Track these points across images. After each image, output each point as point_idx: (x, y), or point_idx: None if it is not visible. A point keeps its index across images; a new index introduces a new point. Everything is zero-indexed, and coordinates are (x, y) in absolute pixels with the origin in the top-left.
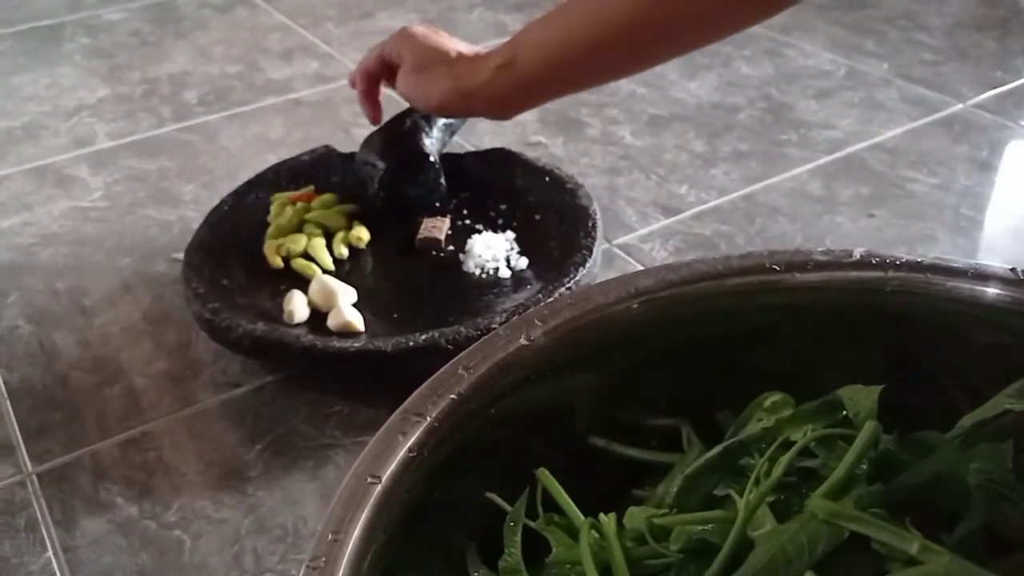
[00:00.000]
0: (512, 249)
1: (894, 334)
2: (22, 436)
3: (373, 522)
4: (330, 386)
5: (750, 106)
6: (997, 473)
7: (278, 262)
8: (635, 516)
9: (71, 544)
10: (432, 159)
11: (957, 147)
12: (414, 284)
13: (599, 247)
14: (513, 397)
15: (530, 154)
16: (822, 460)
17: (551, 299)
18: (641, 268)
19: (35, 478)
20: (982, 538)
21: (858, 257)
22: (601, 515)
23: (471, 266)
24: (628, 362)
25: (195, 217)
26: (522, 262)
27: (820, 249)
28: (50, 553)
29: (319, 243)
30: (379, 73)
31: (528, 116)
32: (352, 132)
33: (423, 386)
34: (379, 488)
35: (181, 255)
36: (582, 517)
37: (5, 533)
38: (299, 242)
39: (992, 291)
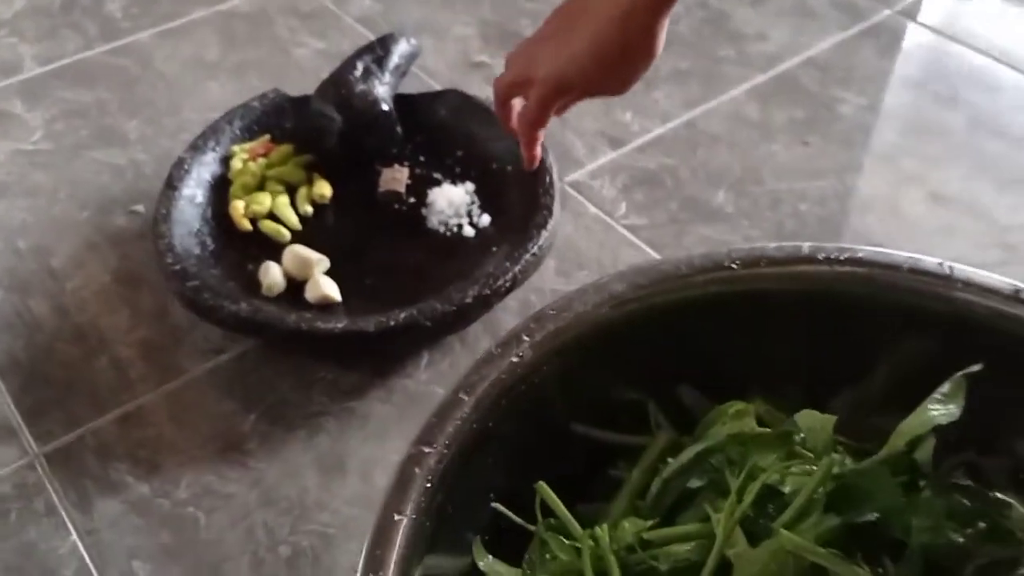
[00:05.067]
0: (473, 203)
1: (837, 322)
2: (21, 417)
3: (405, 555)
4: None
5: (688, 15)
6: (935, 536)
7: (246, 225)
8: (626, 529)
9: (92, 527)
10: (388, 108)
11: (884, 62)
12: (382, 244)
13: (558, 204)
14: (507, 408)
15: (477, 80)
16: (784, 481)
17: (535, 313)
18: (593, 208)
19: (43, 460)
20: (920, 566)
21: (806, 252)
22: (597, 528)
23: (435, 223)
24: (601, 354)
25: (145, 160)
26: (484, 219)
27: (773, 245)
28: (74, 537)
29: (283, 202)
30: (544, 114)
31: (469, 30)
32: (292, 52)
33: (430, 415)
34: (405, 523)
35: (140, 207)
36: (580, 529)
37: (28, 519)
38: (264, 202)
39: (928, 286)
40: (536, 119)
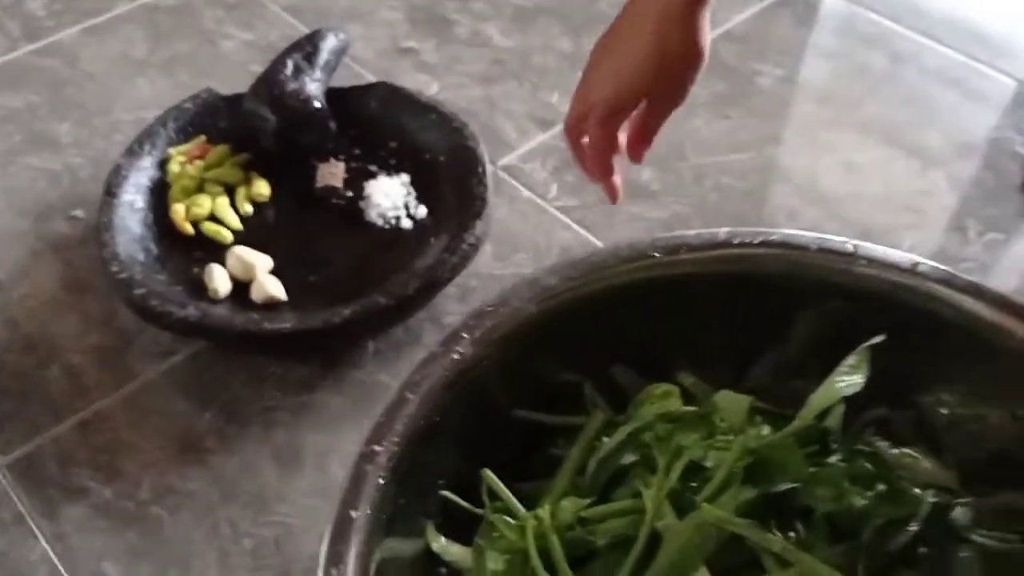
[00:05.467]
0: (409, 195)
1: (755, 299)
2: None
3: (363, 549)
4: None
5: None
6: (837, 503)
7: (188, 229)
8: (566, 509)
9: (59, 532)
10: (320, 105)
11: (801, 31)
12: (323, 240)
13: (491, 192)
14: (451, 402)
15: (407, 66)
16: (707, 457)
17: (474, 310)
18: (526, 192)
19: (5, 471)
20: (825, 531)
21: (722, 238)
22: (539, 509)
23: (373, 216)
24: (538, 343)
25: (81, 164)
26: (421, 211)
27: (692, 233)
28: (43, 543)
29: (223, 203)
30: (603, 137)
31: (397, 15)
32: (220, 45)
33: (379, 415)
34: (360, 518)
35: (80, 212)
36: (523, 511)
37: None
38: (204, 205)
39: (834, 263)
40: (597, 143)
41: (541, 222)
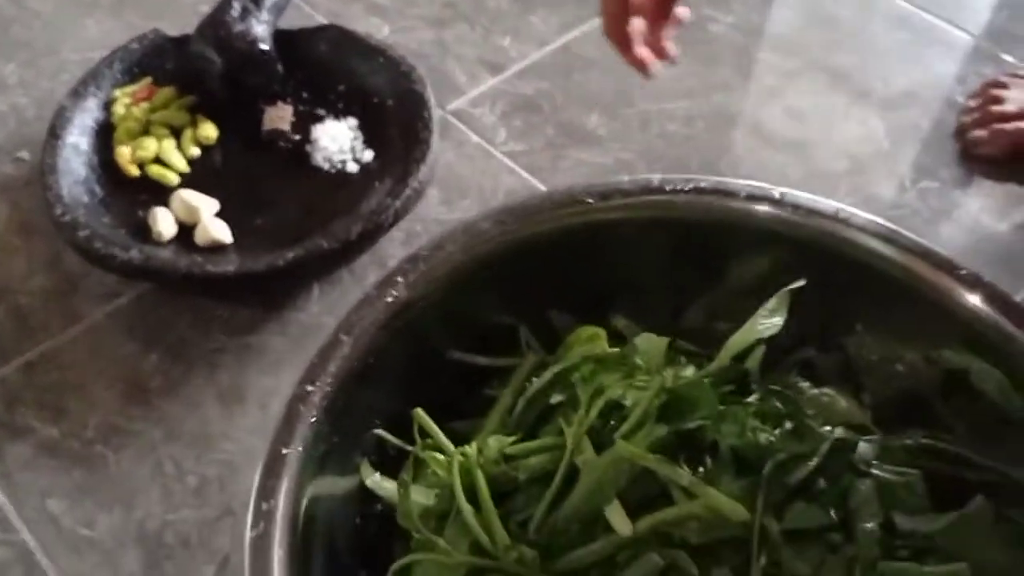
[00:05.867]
0: (356, 139)
1: (686, 244)
2: None
3: (294, 484)
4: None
5: None
6: (740, 438)
7: (134, 171)
8: (491, 446)
9: (4, 470)
10: (267, 47)
11: None
12: (268, 183)
13: (436, 137)
14: (386, 344)
15: (358, 9)
16: (627, 396)
17: (409, 255)
18: (474, 137)
19: None
20: (731, 465)
21: (655, 184)
22: (465, 447)
23: (319, 159)
24: (473, 287)
25: (26, 105)
26: (367, 155)
27: (626, 179)
28: None
29: (169, 146)
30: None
31: None
32: None
33: (314, 356)
34: (292, 455)
35: (25, 154)
36: (452, 447)
37: None
38: (150, 147)
39: (762, 210)
40: (612, 13)
41: (488, 167)
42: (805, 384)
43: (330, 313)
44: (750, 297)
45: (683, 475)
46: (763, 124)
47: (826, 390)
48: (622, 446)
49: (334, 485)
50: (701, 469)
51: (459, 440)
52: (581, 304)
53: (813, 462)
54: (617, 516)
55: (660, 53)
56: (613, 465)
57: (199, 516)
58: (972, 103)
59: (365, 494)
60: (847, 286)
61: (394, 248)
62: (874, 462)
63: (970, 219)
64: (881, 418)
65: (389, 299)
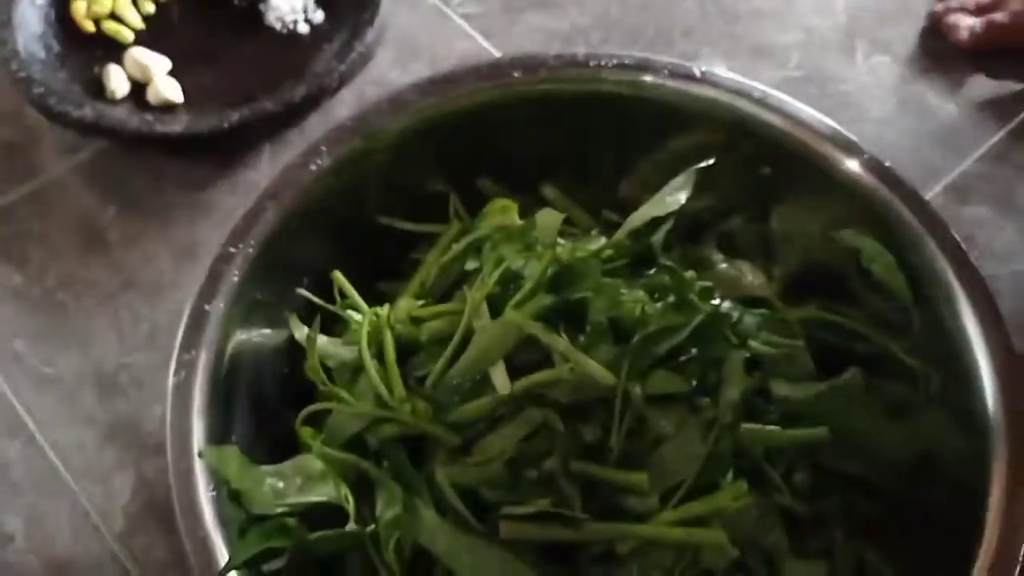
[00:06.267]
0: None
1: (609, 118)
2: None
3: (216, 341)
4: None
5: None
6: (611, 308)
7: (89, 27)
8: (401, 309)
9: None
10: None
11: None
12: (221, 42)
13: (389, 7)
14: (311, 210)
15: None
16: (526, 267)
17: (334, 126)
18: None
19: None
20: (607, 336)
21: (580, 59)
22: (377, 308)
23: (271, 19)
24: (401, 156)
25: None
26: (318, 15)
27: (552, 53)
28: None
29: (125, 1)
30: None
31: None
32: None
33: (239, 220)
34: (214, 314)
35: None
36: (366, 308)
37: None
38: (105, 3)
39: (682, 87)
40: None
41: (443, 30)
42: (719, 256)
43: (278, 170)
44: (678, 170)
45: (560, 342)
46: None
47: (739, 263)
48: (510, 313)
49: (263, 337)
50: (582, 338)
51: (384, 300)
52: (512, 173)
53: (683, 335)
54: (499, 376)
55: None
56: (502, 330)
57: (150, 360)
58: None
59: (295, 346)
60: (762, 161)
61: (344, 110)
62: (762, 334)
63: (917, 96)
64: (788, 292)
65: (313, 167)
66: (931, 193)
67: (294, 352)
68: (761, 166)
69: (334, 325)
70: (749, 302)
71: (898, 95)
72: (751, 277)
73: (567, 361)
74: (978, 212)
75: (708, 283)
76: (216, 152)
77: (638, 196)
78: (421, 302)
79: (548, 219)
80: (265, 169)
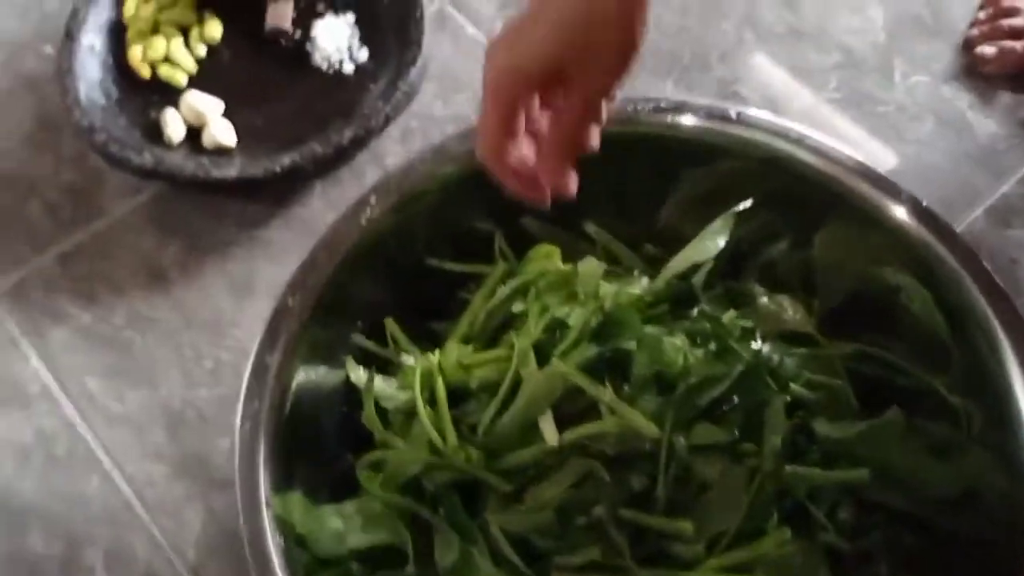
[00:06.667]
0: (354, 36)
1: (648, 160)
2: None
3: (278, 390)
4: None
5: None
6: (655, 360)
7: (145, 72)
8: (451, 355)
9: (47, 352)
10: None
11: None
12: (270, 83)
13: (428, 38)
14: (365, 258)
15: None
16: (570, 314)
17: (381, 178)
18: (471, 29)
19: None
20: (651, 386)
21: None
22: (429, 355)
23: (318, 59)
24: (447, 201)
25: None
26: (363, 54)
27: None
28: (35, 361)
29: (178, 45)
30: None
31: None
32: None
33: (295, 271)
34: (274, 364)
35: (50, 49)
36: (418, 353)
37: None
38: (159, 47)
39: (725, 128)
40: (487, 132)
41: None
42: (759, 290)
43: (331, 209)
44: (715, 205)
45: (605, 393)
46: (757, 14)
47: (780, 297)
48: (556, 364)
49: (321, 381)
50: (626, 387)
51: (435, 339)
52: (554, 211)
53: (724, 385)
54: (548, 427)
55: (559, 186)
56: (548, 380)
57: (214, 395)
58: (982, 15)
59: (351, 386)
60: (801, 198)
61: (391, 145)
62: (804, 373)
63: (956, 116)
64: (828, 325)
65: (364, 218)
66: (972, 216)
67: (350, 392)
68: (800, 203)
69: (389, 363)
70: (790, 337)
71: (937, 115)
72: (791, 311)
73: (613, 412)
74: (1021, 236)
75: (749, 323)
76: (270, 190)
77: (677, 227)
78: (470, 346)
79: (590, 269)
80: (316, 205)
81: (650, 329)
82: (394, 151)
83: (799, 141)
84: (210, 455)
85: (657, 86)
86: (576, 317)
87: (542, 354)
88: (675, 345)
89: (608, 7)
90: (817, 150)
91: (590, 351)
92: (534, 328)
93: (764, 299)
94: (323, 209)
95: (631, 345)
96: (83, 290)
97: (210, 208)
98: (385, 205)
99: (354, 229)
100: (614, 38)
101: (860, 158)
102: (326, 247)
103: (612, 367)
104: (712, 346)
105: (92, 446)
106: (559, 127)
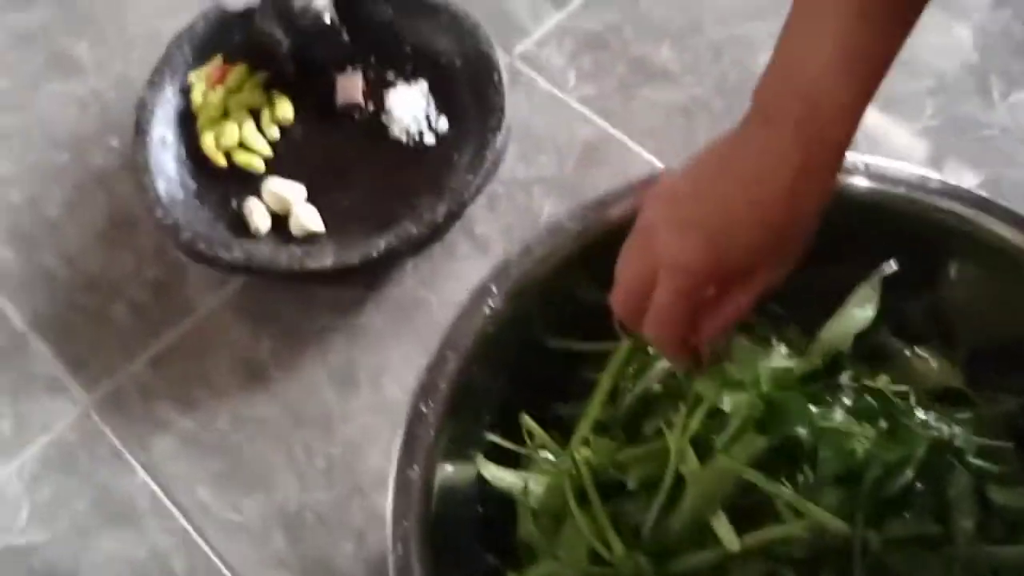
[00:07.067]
0: (429, 104)
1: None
2: (65, 370)
3: (422, 503)
4: None
5: None
6: (842, 459)
7: (221, 160)
8: (600, 451)
9: (153, 462)
10: (331, 18)
11: None
12: (349, 160)
13: (509, 88)
14: (489, 351)
15: None
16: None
17: (500, 264)
18: (544, 83)
19: (94, 408)
20: (831, 476)
21: None
22: (574, 451)
23: (396, 132)
24: (566, 282)
25: (105, 89)
26: (443, 123)
27: None
28: (140, 473)
29: (250, 129)
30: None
31: None
32: None
33: (424, 374)
34: (416, 478)
35: (115, 142)
36: (559, 451)
37: (97, 463)
38: (232, 134)
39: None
40: (675, 317)
41: (561, 117)
42: (897, 344)
43: (424, 286)
44: (828, 251)
45: (785, 492)
46: None
47: (922, 351)
48: (724, 460)
49: (456, 483)
50: (800, 477)
51: (564, 425)
52: None
53: (910, 472)
54: (724, 529)
55: (698, 356)
56: (717, 477)
57: (332, 496)
58: None
59: (483, 482)
60: (919, 238)
61: (479, 213)
62: (972, 439)
63: None
64: (975, 375)
65: (487, 310)
66: None
67: (483, 489)
68: (920, 242)
69: (519, 457)
70: (940, 394)
71: None
72: (936, 365)
73: (792, 509)
74: None
75: (904, 387)
76: (362, 277)
77: (793, 279)
78: (612, 437)
79: (745, 351)
80: (409, 284)
81: (816, 411)
82: (483, 218)
83: (933, 190)
84: (333, 559)
85: None
86: (735, 405)
87: (701, 446)
88: (854, 432)
89: (810, 211)
90: (952, 195)
91: (758, 443)
92: (691, 421)
93: (906, 353)
94: (416, 287)
95: (801, 432)
96: (180, 393)
97: (300, 294)
98: (504, 292)
99: (477, 321)
100: (803, 237)
101: (973, 188)
102: (451, 346)
103: (780, 455)
104: (883, 423)
105: (212, 559)
106: (734, 310)
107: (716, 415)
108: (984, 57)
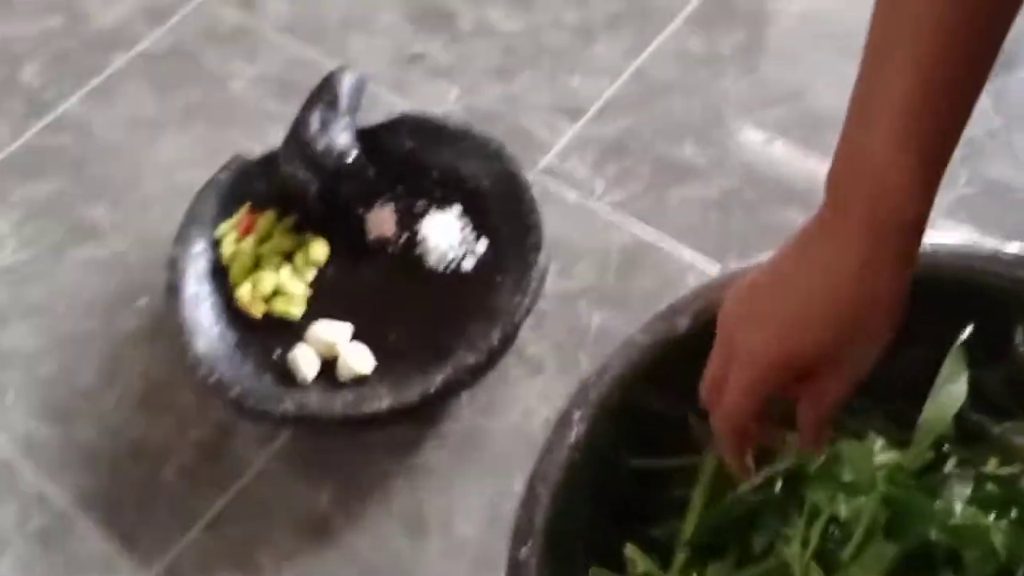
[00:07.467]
0: (465, 228)
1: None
2: (117, 549)
3: None
4: None
5: None
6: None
7: (258, 311)
8: None
9: None
10: (356, 155)
11: None
12: (389, 294)
13: (539, 204)
14: (576, 480)
15: (418, 74)
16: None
17: (580, 386)
18: (572, 195)
19: None
20: None
21: None
22: None
23: (433, 260)
24: (642, 399)
25: (126, 250)
26: (480, 245)
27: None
28: None
29: (286, 275)
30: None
31: (395, 16)
32: (228, 86)
33: (519, 513)
34: None
35: (143, 302)
36: None
37: None
38: (267, 282)
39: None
40: (736, 410)
41: (594, 226)
42: (982, 419)
43: (481, 415)
44: (914, 346)
45: None
46: None
47: (1008, 424)
48: (857, 573)
49: None
50: None
51: (660, 549)
52: None
53: None
54: None
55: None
56: None
57: None
58: None
59: None
60: (1004, 315)
61: (528, 334)
62: None
63: None
64: None
65: (571, 440)
66: None
67: None
68: (985, 314)
69: None
70: None
71: None
72: None
73: None
74: None
75: (1014, 468)
76: (418, 415)
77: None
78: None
79: (859, 454)
80: (466, 415)
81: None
82: (532, 339)
83: (1008, 262)
84: None
85: None
86: (854, 511)
87: (822, 558)
88: (988, 527)
89: (885, 295)
90: (989, 257)
91: (888, 551)
92: (811, 533)
93: (997, 428)
94: (474, 418)
95: (933, 535)
96: (242, 559)
97: (352, 440)
98: (584, 416)
99: (564, 451)
100: (887, 323)
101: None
102: (542, 478)
103: (912, 560)
104: (1013, 513)
105: None
106: (822, 406)
107: (830, 522)
108: (1009, 120)
